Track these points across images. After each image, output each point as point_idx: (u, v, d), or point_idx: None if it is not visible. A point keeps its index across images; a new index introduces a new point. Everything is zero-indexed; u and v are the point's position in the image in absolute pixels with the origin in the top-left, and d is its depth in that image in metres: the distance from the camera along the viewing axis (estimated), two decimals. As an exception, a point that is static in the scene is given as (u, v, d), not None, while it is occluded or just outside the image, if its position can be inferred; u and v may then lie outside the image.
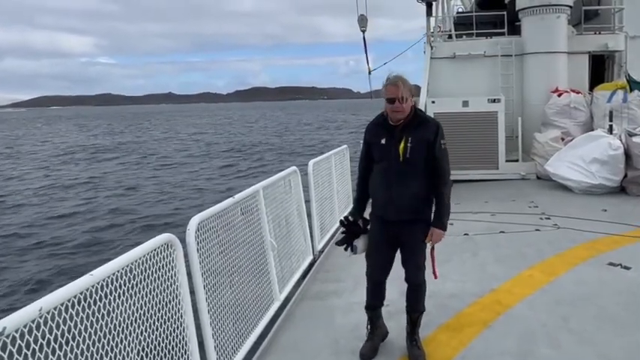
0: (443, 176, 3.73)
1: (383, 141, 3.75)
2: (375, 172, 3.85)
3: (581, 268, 5.59)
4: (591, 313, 4.51)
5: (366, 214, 4.05)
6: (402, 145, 3.66)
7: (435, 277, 3.93)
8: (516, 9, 12.15)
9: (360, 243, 3.94)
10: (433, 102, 11.08)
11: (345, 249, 3.98)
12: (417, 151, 3.66)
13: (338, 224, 4.09)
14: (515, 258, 6.06)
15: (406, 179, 3.69)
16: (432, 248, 3.85)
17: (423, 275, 3.93)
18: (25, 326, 2.08)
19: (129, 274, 2.83)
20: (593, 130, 10.37)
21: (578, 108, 10.99)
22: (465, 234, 7.11)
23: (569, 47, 11.75)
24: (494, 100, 10.89)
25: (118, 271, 2.74)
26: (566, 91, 11.22)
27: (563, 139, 10.62)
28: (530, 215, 7.96)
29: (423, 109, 10.97)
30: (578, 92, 11.21)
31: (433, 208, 3.79)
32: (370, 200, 3.99)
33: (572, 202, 8.70)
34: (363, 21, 11.70)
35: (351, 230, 3.96)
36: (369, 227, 3.97)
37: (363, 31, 11.85)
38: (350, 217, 4.00)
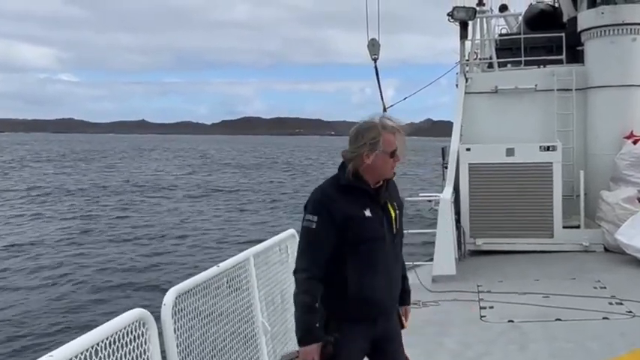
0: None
1: (367, 212, 3.53)
2: (363, 259, 3.53)
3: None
4: None
5: None
6: (392, 213, 3.65)
7: None
8: (578, 29, 12.55)
9: None
10: (468, 149, 11.40)
11: None
12: (401, 217, 3.75)
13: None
14: (576, 353, 6.26)
15: (399, 258, 3.77)
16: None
17: None
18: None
19: (94, 356, 3.08)
20: (680, 188, 10.66)
21: (660, 159, 11.26)
22: (509, 321, 7.34)
23: (649, 79, 12.08)
24: (548, 148, 11.19)
25: (82, 353, 2.99)
26: (644, 137, 11.54)
27: None
28: (596, 299, 8.17)
29: (455, 158, 11.26)
30: (660, 138, 11.52)
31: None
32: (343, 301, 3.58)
33: None
34: (374, 47, 12.18)
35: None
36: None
37: (375, 60, 12.32)
38: (331, 338, 3.54)
